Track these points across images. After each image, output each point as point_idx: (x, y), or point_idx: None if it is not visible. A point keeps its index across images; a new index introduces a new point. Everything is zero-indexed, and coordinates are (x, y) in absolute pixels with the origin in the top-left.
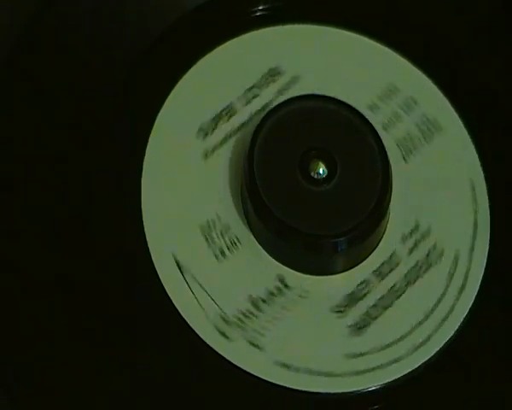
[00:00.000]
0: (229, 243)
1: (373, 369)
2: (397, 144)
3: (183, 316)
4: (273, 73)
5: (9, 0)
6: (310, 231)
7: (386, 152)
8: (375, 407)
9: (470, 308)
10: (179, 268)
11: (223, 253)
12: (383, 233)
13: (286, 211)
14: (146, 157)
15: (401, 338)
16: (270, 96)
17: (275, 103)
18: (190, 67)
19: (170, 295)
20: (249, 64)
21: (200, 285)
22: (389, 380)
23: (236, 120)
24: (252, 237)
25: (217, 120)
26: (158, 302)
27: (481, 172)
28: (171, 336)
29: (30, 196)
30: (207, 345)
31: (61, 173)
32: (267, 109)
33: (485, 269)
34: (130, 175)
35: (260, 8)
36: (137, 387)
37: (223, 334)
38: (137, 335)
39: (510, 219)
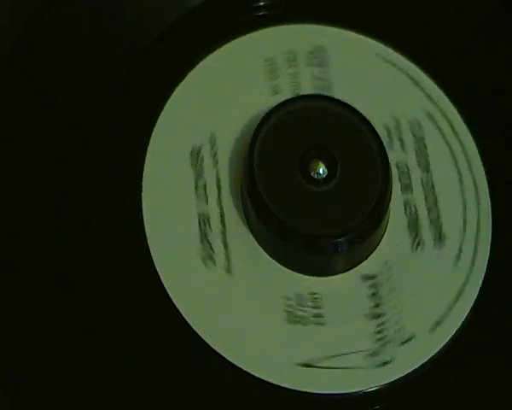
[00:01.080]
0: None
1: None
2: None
3: (184, 316)
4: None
5: (9, 0)
6: (310, 232)
7: (386, 152)
8: (376, 407)
9: (471, 309)
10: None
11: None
12: (382, 235)
13: (286, 211)
14: (147, 157)
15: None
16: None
17: (275, 104)
18: (190, 67)
19: (170, 295)
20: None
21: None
22: (389, 381)
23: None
24: (251, 237)
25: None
26: (158, 302)
27: (483, 172)
28: (172, 336)
29: (30, 196)
30: (208, 345)
31: (61, 173)
32: (267, 109)
33: (486, 270)
34: (130, 175)
35: (260, 8)
36: (137, 387)
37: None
38: (138, 335)
39: (511, 221)
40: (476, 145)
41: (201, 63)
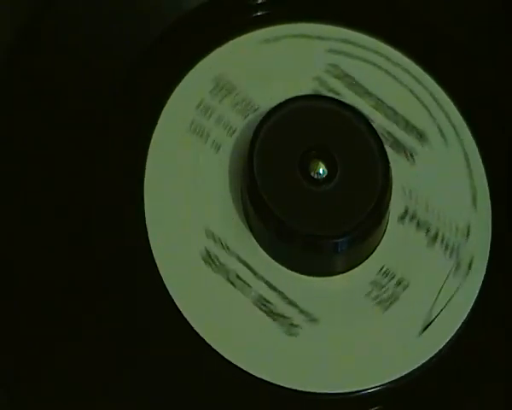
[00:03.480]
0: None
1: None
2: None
3: (185, 316)
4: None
5: (9, 0)
6: (310, 232)
7: (385, 152)
8: (376, 407)
9: (470, 309)
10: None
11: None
12: (382, 235)
13: (286, 211)
14: (148, 157)
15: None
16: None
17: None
18: (190, 67)
19: (172, 295)
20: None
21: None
22: (388, 381)
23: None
24: (251, 237)
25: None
26: (159, 302)
27: (483, 172)
28: (173, 336)
29: (30, 196)
30: (209, 345)
31: (61, 173)
32: (267, 110)
33: (486, 270)
34: (131, 175)
35: (260, 8)
36: (137, 387)
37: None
38: (138, 335)
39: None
40: (476, 145)
41: (201, 63)
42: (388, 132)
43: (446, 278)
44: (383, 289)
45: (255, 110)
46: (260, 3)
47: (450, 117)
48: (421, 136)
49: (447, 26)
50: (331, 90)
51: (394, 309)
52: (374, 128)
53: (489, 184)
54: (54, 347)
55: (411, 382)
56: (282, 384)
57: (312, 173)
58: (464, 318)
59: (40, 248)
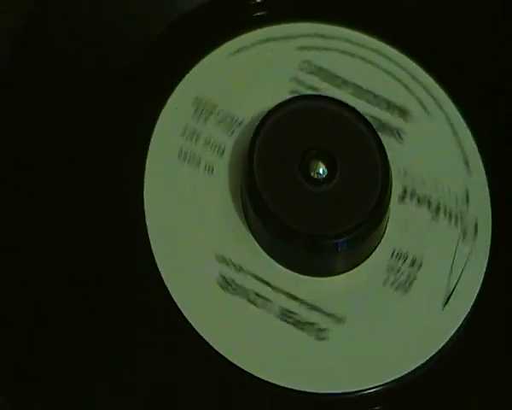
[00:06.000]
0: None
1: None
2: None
3: (186, 316)
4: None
5: (9, 0)
6: (310, 232)
7: (385, 152)
8: (376, 407)
9: (469, 310)
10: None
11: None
12: (380, 238)
13: (286, 211)
14: (148, 157)
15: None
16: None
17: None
18: (190, 67)
19: (172, 294)
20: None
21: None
22: (388, 381)
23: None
24: (251, 237)
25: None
26: (159, 299)
27: (483, 172)
28: (173, 336)
29: (30, 196)
30: (210, 346)
31: (61, 173)
32: (267, 110)
33: (486, 269)
34: (131, 175)
35: (260, 8)
36: (138, 387)
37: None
38: (138, 335)
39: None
40: (476, 145)
41: (201, 63)
42: (372, 117)
43: (457, 247)
44: (399, 273)
45: (239, 124)
46: (260, 3)
47: (428, 89)
48: (404, 113)
49: (447, 26)
50: (309, 87)
51: (415, 289)
52: (374, 128)
53: (489, 184)
54: (54, 347)
55: (412, 382)
56: (281, 384)
57: (312, 173)
58: (463, 318)
59: (40, 247)
